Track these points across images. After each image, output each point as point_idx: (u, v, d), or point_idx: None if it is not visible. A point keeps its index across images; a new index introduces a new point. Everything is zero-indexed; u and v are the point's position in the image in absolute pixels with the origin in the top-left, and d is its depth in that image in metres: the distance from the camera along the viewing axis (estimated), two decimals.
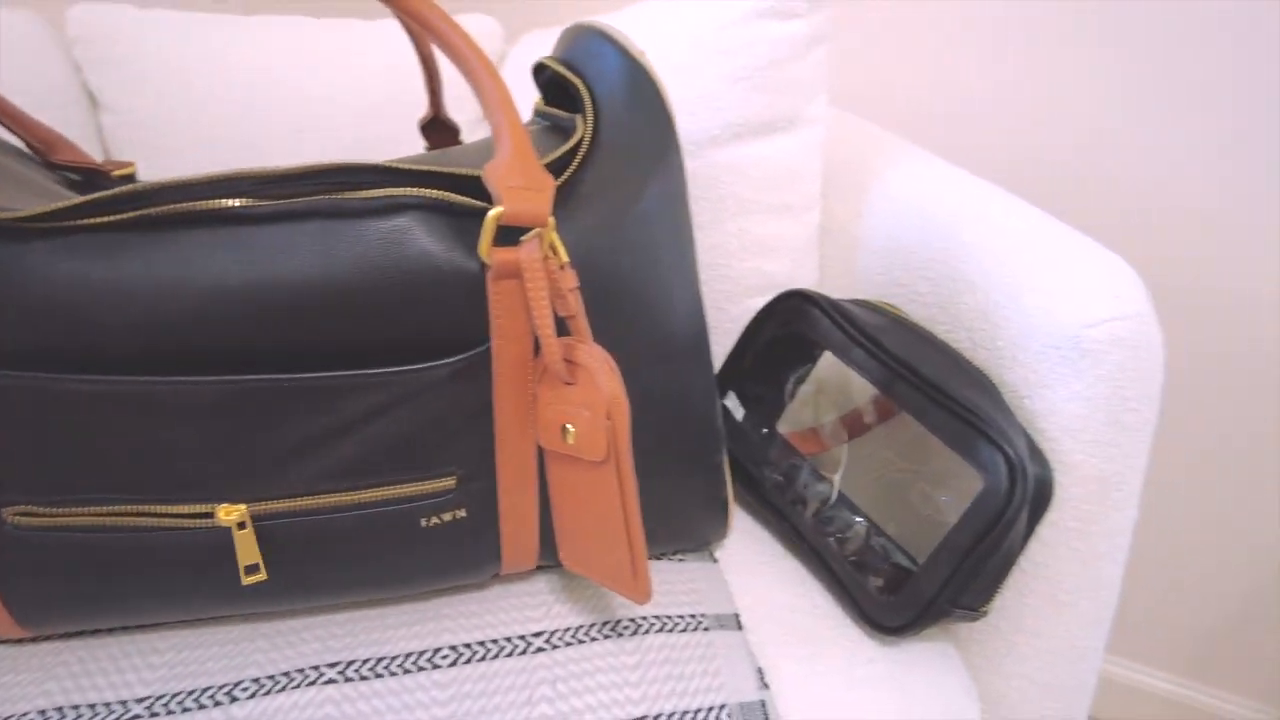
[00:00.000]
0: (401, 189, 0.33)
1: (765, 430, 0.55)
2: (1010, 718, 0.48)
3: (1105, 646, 0.59)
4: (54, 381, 0.32)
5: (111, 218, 0.32)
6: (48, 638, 0.39)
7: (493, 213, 0.32)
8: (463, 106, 0.78)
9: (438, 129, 0.53)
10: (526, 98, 0.74)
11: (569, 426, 0.34)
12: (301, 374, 0.33)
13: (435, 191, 0.33)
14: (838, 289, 0.62)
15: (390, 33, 0.77)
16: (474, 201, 0.34)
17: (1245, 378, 0.76)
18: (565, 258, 0.34)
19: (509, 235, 0.33)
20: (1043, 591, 0.46)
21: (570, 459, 0.35)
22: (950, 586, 0.42)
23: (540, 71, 0.46)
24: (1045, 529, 0.45)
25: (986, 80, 0.78)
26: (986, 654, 0.48)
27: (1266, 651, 0.83)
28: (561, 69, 0.42)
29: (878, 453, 0.52)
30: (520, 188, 0.32)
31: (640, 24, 0.61)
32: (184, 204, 0.32)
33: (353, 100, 0.72)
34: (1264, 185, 0.71)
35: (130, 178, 0.49)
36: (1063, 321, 0.43)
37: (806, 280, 0.61)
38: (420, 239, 0.33)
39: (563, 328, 0.35)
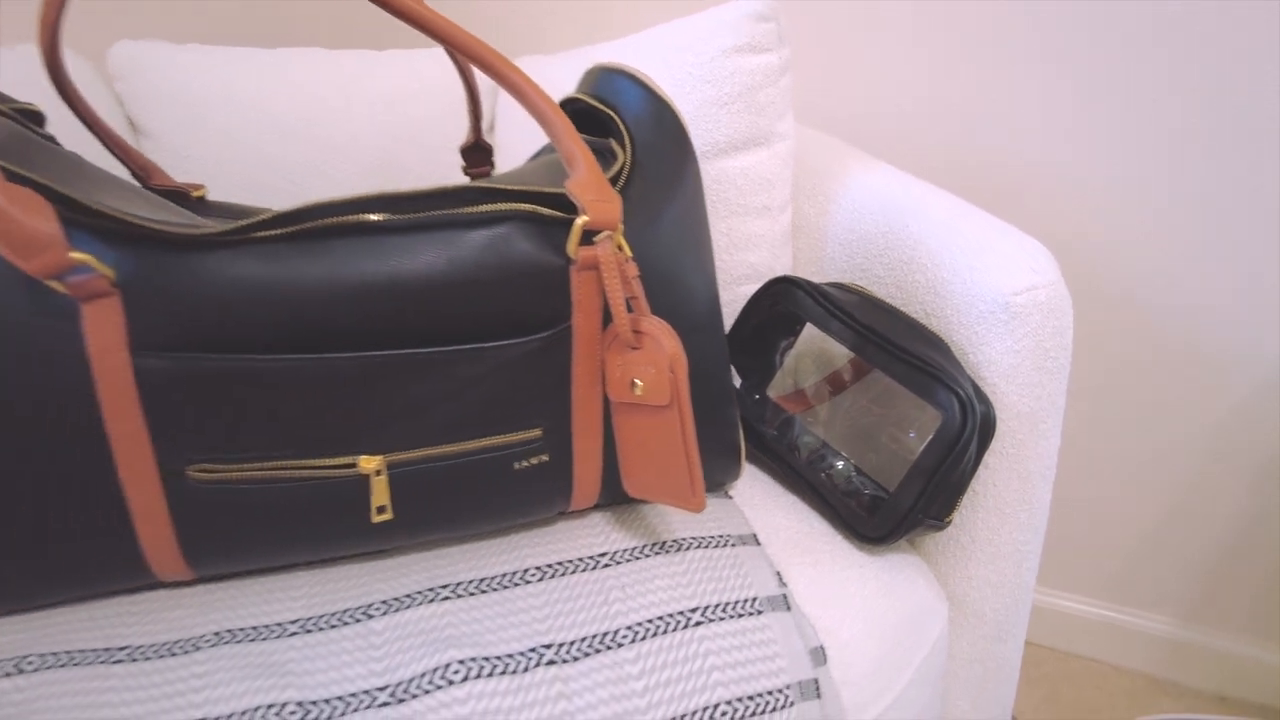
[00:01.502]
0: (503, 204, 0.43)
1: (758, 396, 0.66)
2: (971, 612, 0.60)
3: (1038, 561, 0.72)
4: (230, 361, 0.41)
5: (279, 230, 0.41)
6: (199, 581, 0.48)
7: (580, 220, 0.42)
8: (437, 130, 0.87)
9: (476, 151, 0.62)
10: (520, 116, 0.84)
11: (637, 381, 0.44)
12: (426, 348, 0.43)
13: (528, 206, 0.43)
14: (809, 275, 0.73)
15: (398, 61, 0.86)
16: (559, 214, 0.44)
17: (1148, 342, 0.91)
18: (630, 253, 0.44)
19: (585, 236, 0.43)
20: (990, 506, 0.58)
21: (638, 407, 0.45)
22: (920, 501, 0.53)
23: (571, 103, 0.56)
24: (990, 456, 0.57)
25: (924, 92, 0.91)
26: (949, 562, 0.60)
27: (1168, 572, 0.97)
28: (597, 104, 0.52)
29: (854, 405, 0.63)
30: (596, 200, 0.42)
31: (636, 57, 0.72)
32: (333, 219, 0.41)
33: (372, 126, 0.81)
34: (1152, 173, 0.86)
35: (203, 198, 0.58)
36: (994, 291, 0.55)
37: (782, 268, 0.72)
38: (519, 243, 0.43)
39: (627, 307, 0.46)
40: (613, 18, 1.01)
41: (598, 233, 0.43)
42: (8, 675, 0.42)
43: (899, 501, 0.54)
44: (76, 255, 0.37)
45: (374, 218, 0.42)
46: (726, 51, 0.66)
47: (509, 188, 0.43)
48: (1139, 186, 0.86)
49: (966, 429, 0.52)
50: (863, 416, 0.62)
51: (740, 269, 0.70)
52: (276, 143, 0.78)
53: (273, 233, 0.41)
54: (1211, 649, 0.96)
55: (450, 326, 0.43)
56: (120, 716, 0.40)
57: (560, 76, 0.80)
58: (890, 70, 0.92)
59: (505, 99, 0.89)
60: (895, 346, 0.55)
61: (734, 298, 0.70)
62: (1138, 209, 0.87)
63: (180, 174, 0.77)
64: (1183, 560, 0.96)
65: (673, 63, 0.68)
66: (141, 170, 0.57)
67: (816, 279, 0.72)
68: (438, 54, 0.87)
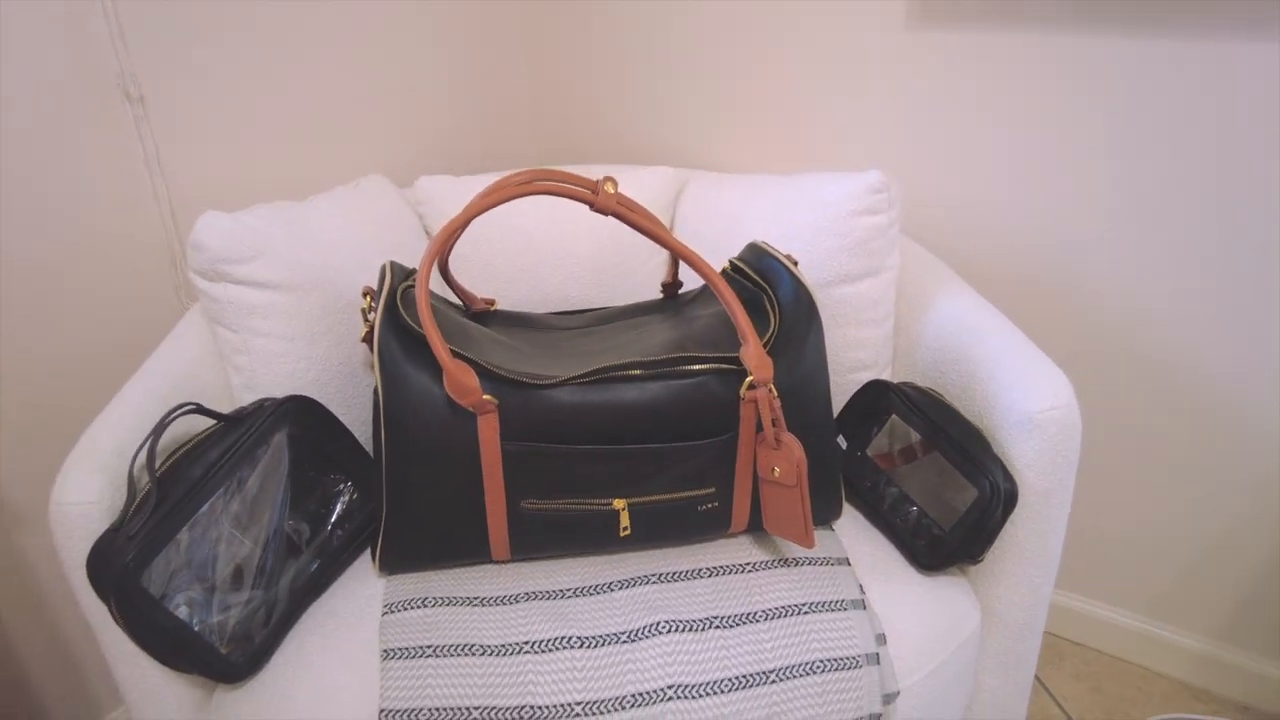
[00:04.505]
0: (703, 365, 0.74)
1: (859, 454, 0.95)
2: (998, 619, 0.87)
3: (1054, 585, 0.97)
4: (553, 448, 0.74)
5: (583, 380, 0.73)
6: (514, 561, 0.82)
7: (749, 379, 0.73)
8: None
9: (671, 285, 0.94)
10: (692, 229, 1.13)
11: (776, 469, 0.75)
12: (655, 444, 0.75)
13: (717, 365, 0.74)
14: (904, 369, 1.00)
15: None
16: (735, 368, 0.74)
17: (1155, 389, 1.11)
18: (776, 392, 0.74)
19: (750, 384, 0.74)
20: (1012, 551, 0.84)
21: (775, 484, 0.76)
22: (962, 544, 0.81)
23: (737, 270, 0.86)
24: (1014, 518, 0.83)
25: (1015, 217, 1.15)
26: (984, 584, 0.87)
27: (1205, 595, 1.18)
28: (756, 277, 0.82)
29: (925, 469, 0.91)
30: (758, 366, 0.73)
31: (783, 210, 1.00)
32: (613, 372, 0.74)
33: (594, 241, 1.12)
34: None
35: (498, 310, 0.92)
36: (1024, 407, 0.81)
37: (884, 362, 0.99)
38: (712, 387, 0.74)
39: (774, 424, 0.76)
40: (768, 148, 1.29)
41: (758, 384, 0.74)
42: (419, 607, 0.78)
43: (947, 544, 0.82)
44: (486, 397, 0.71)
45: (635, 372, 0.74)
46: (850, 214, 0.94)
47: (707, 355, 0.75)
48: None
49: (994, 501, 0.79)
50: (930, 479, 0.89)
51: (852, 362, 0.98)
52: (525, 253, 1.11)
53: (580, 380, 0.74)
54: (1238, 664, 1.17)
55: (672, 431, 0.75)
56: (484, 635, 0.75)
57: (723, 199, 1.09)
58: (965, 181, 1.15)
59: (684, 205, 1.19)
60: (950, 439, 0.83)
61: (846, 383, 0.98)
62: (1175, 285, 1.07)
63: (465, 276, 1.11)
64: (1217, 586, 1.17)
65: (809, 217, 0.96)
66: (468, 300, 0.91)
67: (907, 374, 0.99)
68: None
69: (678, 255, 0.77)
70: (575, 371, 0.74)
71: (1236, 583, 1.16)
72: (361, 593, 0.82)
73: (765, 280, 0.82)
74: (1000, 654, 0.88)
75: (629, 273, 1.12)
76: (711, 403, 0.75)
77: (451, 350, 0.72)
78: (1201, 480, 1.15)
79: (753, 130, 1.31)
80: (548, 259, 1.10)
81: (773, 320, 0.79)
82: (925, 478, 0.91)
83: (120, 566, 0.68)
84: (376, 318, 0.75)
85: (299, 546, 0.81)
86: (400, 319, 0.75)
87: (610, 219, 1.08)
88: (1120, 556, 1.25)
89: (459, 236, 0.81)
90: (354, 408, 0.93)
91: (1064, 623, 1.31)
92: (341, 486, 0.86)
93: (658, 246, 1.10)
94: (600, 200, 0.76)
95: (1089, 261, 1.12)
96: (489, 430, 0.74)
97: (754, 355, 0.74)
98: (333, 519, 0.84)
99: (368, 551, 0.87)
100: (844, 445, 0.95)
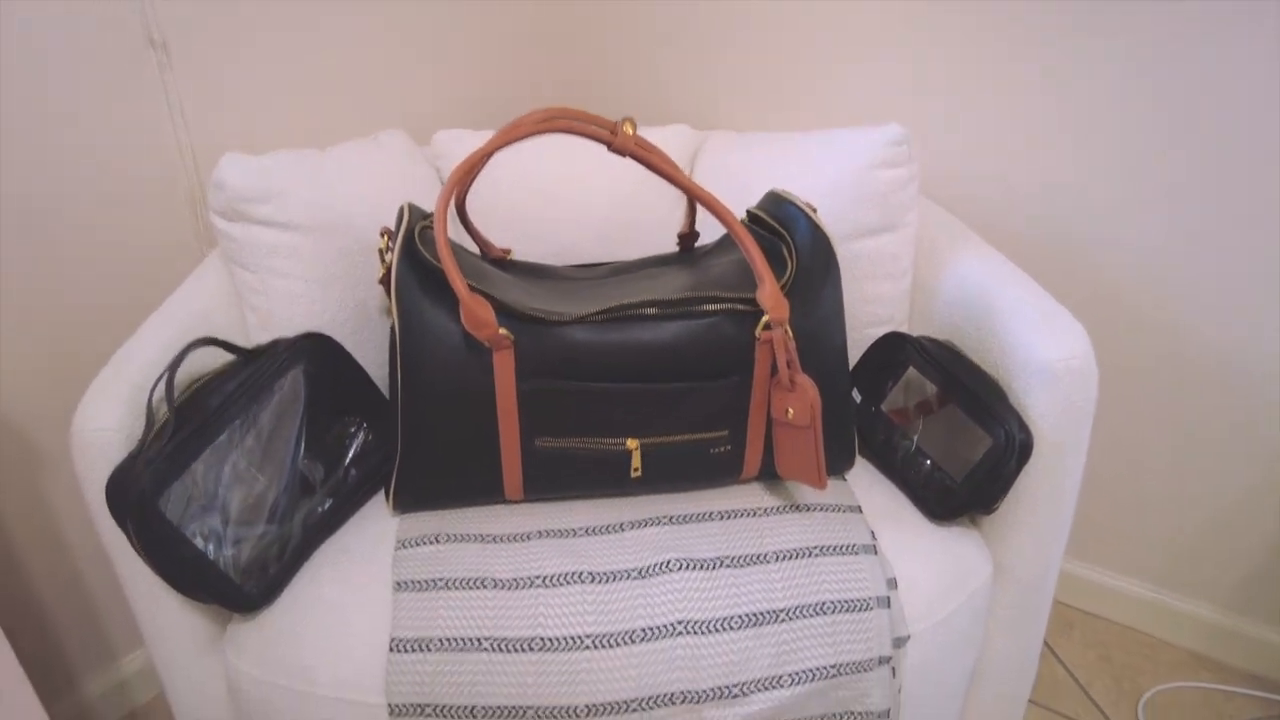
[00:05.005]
0: (719, 305, 0.74)
1: (874, 409, 0.95)
2: (1009, 574, 0.87)
3: (1064, 552, 0.97)
4: (568, 384, 0.74)
5: (599, 317, 0.73)
6: (526, 501, 0.83)
7: (764, 319, 0.73)
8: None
9: (689, 236, 0.93)
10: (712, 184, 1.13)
11: (790, 410, 0.74)
12: (670, 383, 0.75)
13: (733, 306, 0.74)
14: (921, 323, 1.00)
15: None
16: (751, 309, 0.74)
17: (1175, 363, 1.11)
18: (791, 333, 0.74)
19: (766, 325, 0.74)
20: (1024, 503, 0.84)
21: (789, 425, 0.76)
22: (974, 495, 0.80)
23: (755, 218, 0.86)
24: (1027, 469, 0.82)
25: (1029, 175, 1.14)
26: (995, 537, 0.87)
27: (1216, 566, 1.17)
28: (774, 223, 0.82)
29: (939, 423, 0.90)
30: (774, 306, 0.73)
31: (800, 159, 1.00)
32: (628, 310, 0.74)
33: (610, 198, 1.12)
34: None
35: (514, 260, 0.92)
36: (1042, 357, 0.80)
37: (901, 317, 0.99)
38: (726, 327, 0.74)
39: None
40: (783, 100, 1.28)
41: (774, 325, 0.74)
42: (431, 543, 0.79)
43: (959, 493, 0.81)
44: (501, 331, 0.72)
45: (650, 311, 0.74)
46: (869, 166, 0.93)
47: (723, 295, 0.74)
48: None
49: (1008, 450, 0.78)
50: (945, 434, 0.89)
51: (869, 317, 0.98)
52: (541, 207, 1.11)
53: (595, 318, 0.74)
54: (1249, 634, 1.16)
55: (686, 371, 0.75)
56: (495, 569, 0.76)
57: (743, 156, 1.09)
58: (1008, 152, 1.14)
59: (702, 161, 1.18)
60: (966, 390, 0.82)
61: (863, 339, 0.98)
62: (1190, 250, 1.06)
63: (480, 229, 1.12)
64: (1228, 556, 1.16)
65: (829, 170, 0.96)
66: (485, 247, 0.92)
67: (927, 327, 0.99)
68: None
69: (693, 197, 0.76)
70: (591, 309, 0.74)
71: (1248, 553, 1.15)
72: (374, 530, 0.82)
73: (783, 227, 0.82)
74: (1011, 609, 0.88)
75: (645, 229, 1.12)
76: (726, 344, 0.75)
77: (469, 285, 0.72)
78: (1213, 450, 1.14)
79: (768, 92, 1.30)
80: (564, 212, 1.10)
81: (790, 265, 0.79)
82: (940, 432, 0.91)
83: (138, 491, 0.68)
84: (394, 253, 0.75)
85: (314, 486, 0.82)
86: (418, 253, 0.75)
87: (628, 172, 1.08)
88: (1131, 526, 1.24)
89: (479, 172, 0.82)
90: (368, 353, 0.94)
91: (1074, 591, 1.31)
92: (356, 428, 0.87)
93: (674, 203, 1.10)
94: (619, 141, 0.76)
95: (1102, 229, 1.11)
96: (504, 367, 0.74)
97: (770, 295, 0.74)
98: (348, 459, 0.85)
99: (381, 494, 0.88)
100: (858, 400, 0.95)
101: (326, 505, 0.82)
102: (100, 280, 1.03)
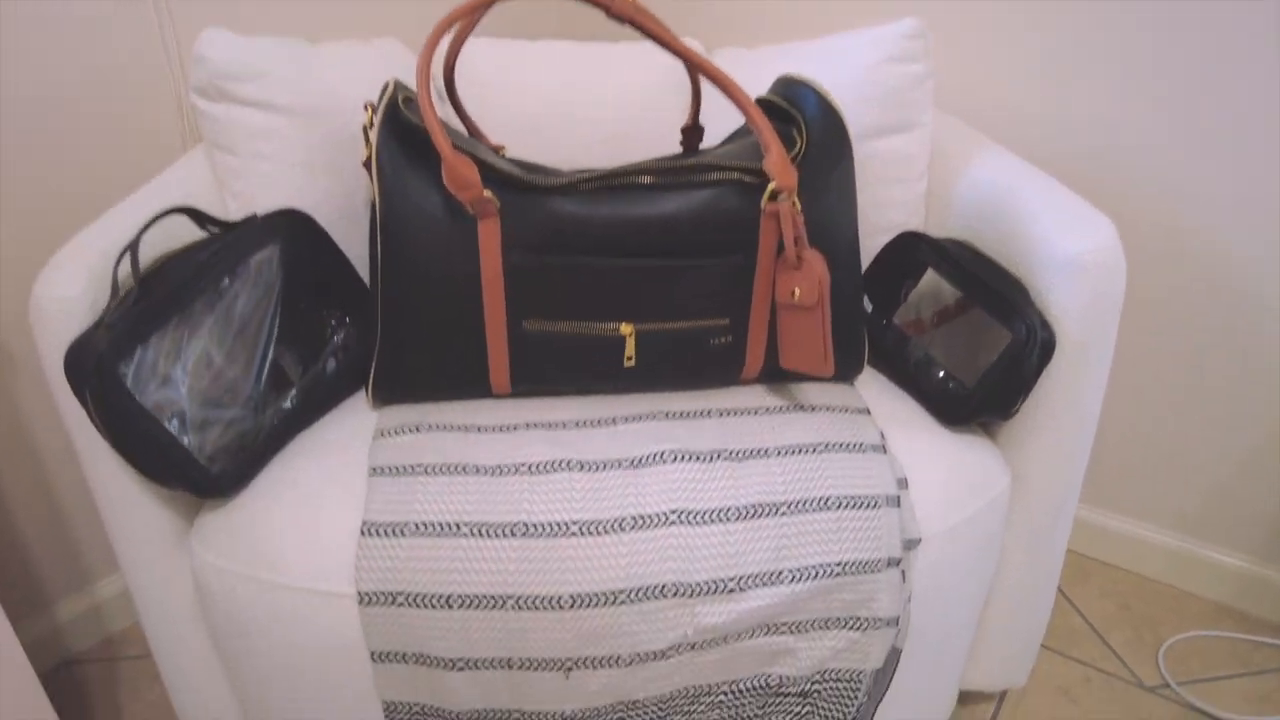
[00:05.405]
0: (722, 174, 0.69)
1: (885, 321, 0.89)
2: (1027, 486, 0.81)
3: (1079, 499, 0.91)
4: (558, 259, 0.69)
5: (592, 184, 0.68)
6: (514, 395, 0.78)
7: (772, 185, 0.68)
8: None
9: (693, 131, 0.88)
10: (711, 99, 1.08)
11: (796, 290, 0.69)
12: (669, 260, 0.70)
13: (737, 175, 0.69)
14: (936, 229, 0.94)
15: (633, 53, 1.12)
16: (757, 180, 0.69)
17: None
18: (799, 207, 0.69)
19: (772, 196, 0.68)
20: (1046, 409, 0.78)
21: (795, 307, 0.70)
22: (992, 395, 0.75)
23: (765, 100, 0.81)
24: (1049, 371, 0.77)
25: (1047, 90, 1.08)
26: (1013, 445, 0.81)
27: (1243, 515, 1.12)
28: (785, 104, 0.77)
29: (954, 334, 0.85)
30: (782, 173, 0.67)
31: (812, 63, 0.95)
32: (623, 179, 0.69)
33: (612, 105, 1.07)
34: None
35: (503, 153, 0.87)
36: (1067, 249, 0.75)
37: (916, 223, 0.94)
38: (730, 198, 0.69)
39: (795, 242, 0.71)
40: (798, 18, 1.23)
41: (780, 194, 0.68)
42: (411, 432, 0.74)
43: (975, 394, 0.76)
44: (485, 193, 0.67)
45: (645, 179, 0.69)
46: (883, 60, 0.88)
47: (726, 164, 0.69)
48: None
49: (1029, 346, 0.73)
50: (961, 344, 0.84)
51: (882, 222, 0.93)
52: (542, 114, 1.06)
53: (588, 185, 0.69)
54: (1275, 584, 1.11)
55: (685, 248, 0.70)
56: (478, 457, 0.71)
57: (753, 72, 1.04)
58: (1021, 72, 1.09)
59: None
60: (987, 288, 0.77)
61: (875, 245, 0.93)
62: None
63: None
64: (1254, 502, 1.10)
65: (841, 66, 0.91)
66: (479, 138, 0.87)
67: (941, 233, 0.94)
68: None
69: (692, 64, 0.71)
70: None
71: (1274, 498, 1.09)
72: (353, 422, 0.78)
73: (793, 107, 0.77)
74: (1029, 524, 0.83)
75: (646, 145, 1.07)
76: (729, 217, 0.70)
77: (454, 145, 0.67)
78: (1239, 393, 1.08)
79: (782, 13, 1.25)
80: (560, 122, 1.05)
81: (799, 142, 0.74)
82: (956, 342, 0.86)
83: (95, 355, 0.64)
84: (376, 119, 0.70)
85: (289, 377, 0.77)
86: (401, 116, 0.70)
87: (635, 79, 1.03)
88: (1150, 470, 1.18)
89: (477, 20, 0.77)
90: (351, 248, 0.89)
91: (1089, 540, 1.25)
92: (335, 321, 0.82)
93: (678, 117, 1.05)
94: (617, 5, 0.71)
95: (1128, 156, 1.05)
96: (490, 237, 0.69)
97: (777, 162, 0.69)
98: (326, 350, 0.80)
99: (362, 392, 0.83)
100: (869, 310, 0.90)
101: (302, 398, 0.78)
102: (81, 181, 0.99)
